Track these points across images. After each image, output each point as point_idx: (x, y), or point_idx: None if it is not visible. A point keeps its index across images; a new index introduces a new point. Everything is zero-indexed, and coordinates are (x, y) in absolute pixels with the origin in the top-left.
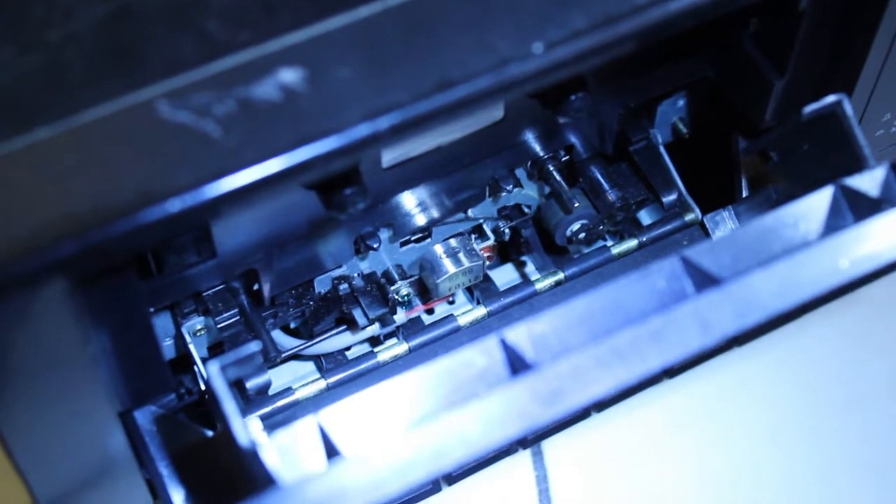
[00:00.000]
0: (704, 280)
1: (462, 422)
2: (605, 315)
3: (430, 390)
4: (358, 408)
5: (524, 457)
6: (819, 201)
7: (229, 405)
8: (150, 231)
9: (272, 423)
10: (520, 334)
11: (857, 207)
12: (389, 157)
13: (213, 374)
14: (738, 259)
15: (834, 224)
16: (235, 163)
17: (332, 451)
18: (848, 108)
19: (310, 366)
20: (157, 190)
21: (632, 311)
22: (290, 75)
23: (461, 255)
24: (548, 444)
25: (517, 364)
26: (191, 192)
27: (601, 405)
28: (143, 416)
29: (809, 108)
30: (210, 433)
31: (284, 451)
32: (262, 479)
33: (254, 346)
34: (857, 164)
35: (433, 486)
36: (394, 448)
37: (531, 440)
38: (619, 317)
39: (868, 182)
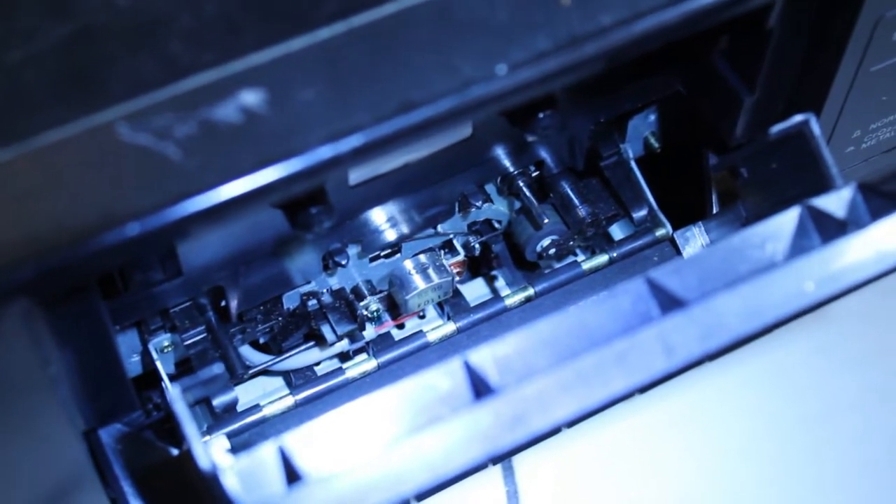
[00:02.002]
0: (669, 302)
1: (424, 446)
2: (570, 337)
3: (393, 413)
4: (320, 431)
5: (495, 472)
6: (785, 222)
7: (191, 428)
8: (111, 254)
9: (240, 440)
10: (483, 356)
11: (824, 228)
12: (356, 175)
13: (174, 397)
14: (705, 280)
15: (800, 245)
16: (196, 185)
17: (293, 476)
18: (815, 127)
19: (279, 381)
20: (117, 213)
21: (596, 333)
22: (251, 97)
23: (431, 271)
24: (518, 460)
25: (481, 387)
26: (151, 216)
27: (572, 421)
28: (108, 435)
29: (777, 128)
30: (176, 451)
31: (245, 475)
32: (222, 503)
33: (216, 369)
34: (824, 184)
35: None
36: (355, 472)
37: (498, 457)
38: (584, 339)
39: (834, 203)
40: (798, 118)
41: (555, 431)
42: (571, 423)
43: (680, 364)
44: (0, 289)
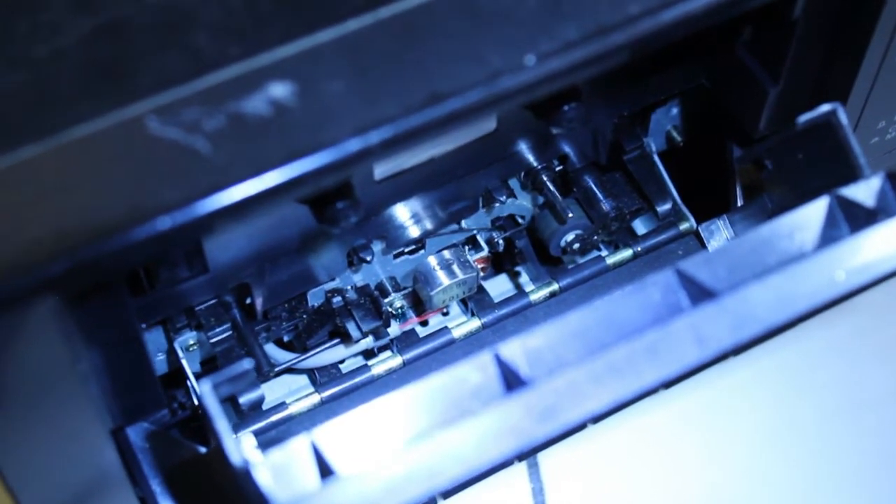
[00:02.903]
0: (700, 293)
1: (456, 439)
2: (600, 329)
3: (425, 407)
4: (352, 426)
5: (520, 469)
6: (814, 212)
7: (222, 424)
8: (141, 248)
9: (266, 438)
10: (514, 349)
11: (853, 218)
12: (382, 169)
13: (205, 392)
14: (734, 271)
15: (829, 235)
16: (225, 179)
17: (325, 470)
18: (843, 117)
19: (303, 379)
20: (148, 207)
21: (627, 325)
22: (279, 90)
23: (455, 267)
24: (544, 456)
25: (512, 380)
26: (181, 210)
27: (601, 415)
28: (136, 433)
29: (804, 118)
30: (203, 449)
31: (278, 470)
32: (255, 499)
33: (246, 364)
34: (853, 174)
35: (428, 500)
36: (388, 467)
37: (527, 452)
38: (614, 331)
39: (863, 192)
40: (825, 107)
41: (580, 427)
42: (599, 418)
43: (712, 355)
44: (31, 285)
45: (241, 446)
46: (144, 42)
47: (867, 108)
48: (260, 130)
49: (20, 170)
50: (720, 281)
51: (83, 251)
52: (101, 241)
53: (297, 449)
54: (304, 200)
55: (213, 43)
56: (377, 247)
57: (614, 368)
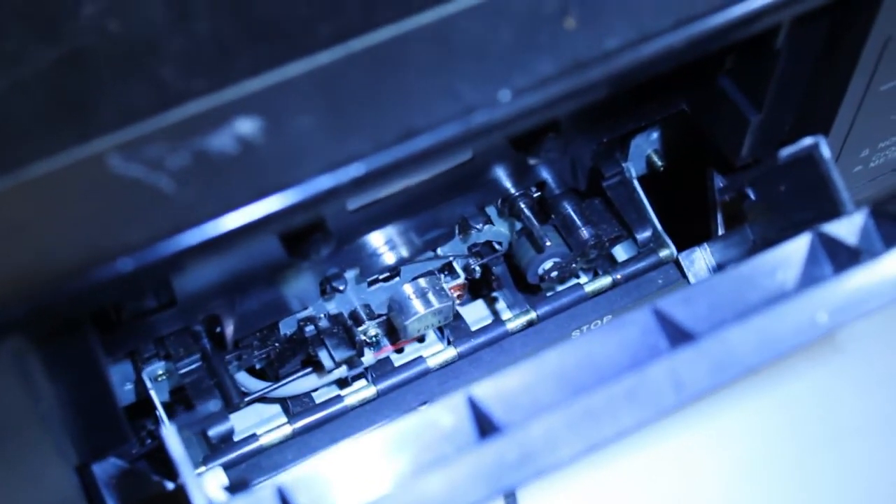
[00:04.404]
0: (678, 334)
1: (427, 487)
2: (577, 370)
3: (395, 451)
4: (320, 470)
5: None
6: (796, 249)
7: (186, 469)
8: (103, 291)
9: (237, 471)
10: (488, 391)
11: (836, 256)
12: (355, 199)
13: (168, 435)
14: (714, 310)
15: (812, 273)
16: (190, 219)
17: None
18: (825, 150)
19: (276, 407)
20: (109, 248)
21: (604, 366)
22: (247, 125)
23: (430, 296)
24: (523, 491)
25: (485, 424)
26: (143, 251)
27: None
28: (102, 470)
29: (785, 151)
30: (171, 485)
31: None
32: None
33: (212, 407)
34: (835, 209)
35: None
36: None
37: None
38: (591, 372)
39: (846, 228)
40: (807, 141)
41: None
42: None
43: (689, 399)
44: None
45: (206, 489)
46: (107, 74)
47: (850, 137)
48: (226, 168)
49: None
50: (700, 321)
51: (43, 294)
52: (61, 284)
53: (263, 496)
54: (275, 234)
55: (178, 76)
56: (350, 274)
57: (591, 414)
